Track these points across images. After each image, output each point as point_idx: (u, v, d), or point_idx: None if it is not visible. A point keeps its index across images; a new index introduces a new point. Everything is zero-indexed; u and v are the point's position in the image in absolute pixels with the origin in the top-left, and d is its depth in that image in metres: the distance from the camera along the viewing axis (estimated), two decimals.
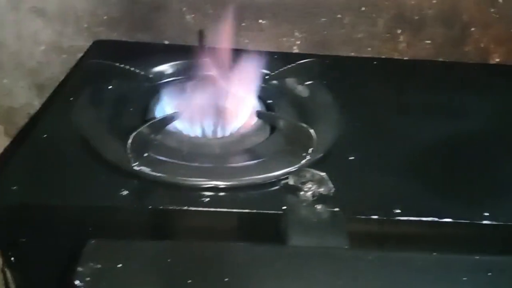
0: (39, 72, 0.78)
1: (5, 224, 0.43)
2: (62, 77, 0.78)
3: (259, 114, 0.53)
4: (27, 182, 0.43)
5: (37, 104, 0.82)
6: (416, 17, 0.74)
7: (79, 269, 0.32)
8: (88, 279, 0.32)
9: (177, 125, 0.54)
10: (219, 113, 0.57)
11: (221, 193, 0.44)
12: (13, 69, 0.78)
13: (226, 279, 0.33)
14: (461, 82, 0.69)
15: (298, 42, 0.75)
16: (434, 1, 0.73)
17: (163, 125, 0.49)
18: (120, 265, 0.33)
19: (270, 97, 0.60)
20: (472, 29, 0.76)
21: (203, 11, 0.73)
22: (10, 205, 0.42)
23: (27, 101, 0.82)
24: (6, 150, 0.81)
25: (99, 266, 0.33)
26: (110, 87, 0.57)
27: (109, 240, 0.35)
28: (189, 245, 0.36)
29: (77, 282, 0.31)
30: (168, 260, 0.34)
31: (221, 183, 0.45)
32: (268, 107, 0.58)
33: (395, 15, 0.74)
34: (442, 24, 0.75)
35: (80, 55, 0.76)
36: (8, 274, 0.92)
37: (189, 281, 0.32)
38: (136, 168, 0.44)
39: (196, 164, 0.47)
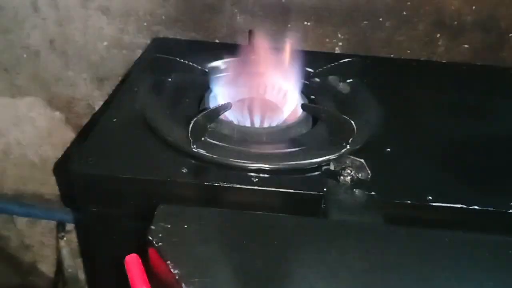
0: (101, 66, 0.86)
1: (81, 191, 0.50)
2: (121, 71, 0.86)
3: (303, 107, 0.58)
4: (102, 157, 0.50)
5: (96, 95, 0.90)
6: (455, 22, 0.78)
7: (152, 227, 0.38)
8: (160, 235, 0.38)
9: (229, 115, 0.59)
10: (266, 106, 0.62)
11: (269, 175, 0.50)
12: (77, 62, 0.87)
13: (275, 243, 0.38)
14: (495, 85, 0.72)
15: (340, 44, 0.80)
16: (474, 8, 0.76)
17: (217, 114, 0.55)
18: (186, 226, 0.39)
19: (313, 93, 0.65)
20: (510, 35, 0.78)
21: (252, 13, 0.79)
22: (88, 174, 0.48)
23: (88, 92, 0.90)
24: (81, 131, 0.91)
25: (169, 226, 0.39)
26: (170, 79, 0.63)
27: (175, 206, 0.41)
28: (243, 214, 0.41)
29: (150, 238, 0.38)
30: (226, 225, 0.39)
31: (267, 166, 0.50)
32: (311, 102, 0.64)
33: (435, 20, 0.77)
34: (480, 30, 0.78)
35: (138, 51, 0.83)
36: (64, 252, 1.01)
37: (244, 242, 0.38)
38: (195, 149, 0.50)
39: (246, 149, 0.52)
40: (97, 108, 0.91)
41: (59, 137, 0.96)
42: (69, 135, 0.95)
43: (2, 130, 0.96)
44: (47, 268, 1.20)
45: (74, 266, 1.02)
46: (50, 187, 1.04)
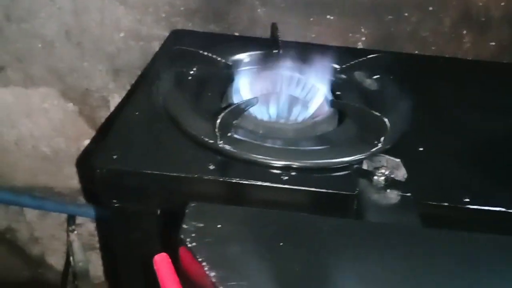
0: (117, 57, 0.84)
1: (104, 187, 0.48)
2: (137, 63, 0.84)
3: (333, 103, 0.56)
4: (126, 152, 0.48)
5: (112, 87, 0.88)
6: (483, 18, 0.75)
7: (184, 226, 0.37)
8: (193, 235, 0.36)
9: (253, 109, 0.58)
10: (291, 102, 0.60)
11: (298, 173, 0.48)
12: (93, 53, 0.85)
13: (313, 245, 0.36)
14: None
15: (363, 38, 0.78)
16: (502, 4, 0.74)
17: (244, 109, 0.53)
18: (219, 226, 0.37)
19: (339, 89, 0.63)
20: None
21: (274, 5, 0.77)
22: (111, 169, 0.47)
23: (103, 84, 0.88)
24: (104, 124, 0.90)
25: (201, 225, 0.37)
26: (192, 72, 0.62)
27: (206, 204, 0.39)
28: (278, 214, 0.40)
29: (182, 237, 0.36)
30: (261, 225, 0.38)
31: (297, 164, 0.48)
32: (337, 98, 0.62)
33: (462, 15, 0.75)
34: (509, 26, 0.76)
35: (156, 43, 0.82)
36: (74, 245, 1.00)
37: (280, 243, 0.36)
38: (221, 145, 0.49)
39: (273, 146, 0.51)
40: (111, 100, 0.89)
41: (72, 129, 0.94)
42: (83, 128, 0.94)
43: (15, 121, 0.94)
44: (56, 261, 1.19)
45: (85, 259, 1.01)
46: (61, 180, 1.02)
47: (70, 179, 1.01)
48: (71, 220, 1.05)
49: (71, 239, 1.04)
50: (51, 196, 1.04)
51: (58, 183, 1.03)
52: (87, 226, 1.10)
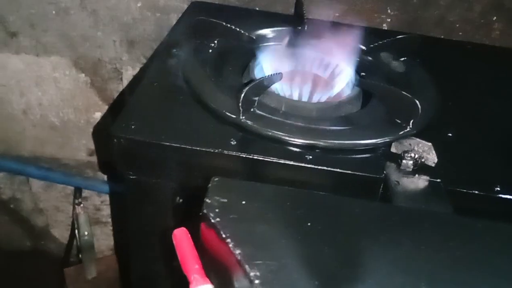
0: (132, 28, 0.82)
1: (121, 157, 0.46)
2: (153, 35, 0.82)
3: (360, 83, 0.54)
4: (145, 122, 0.46)
5: (125, 59, 0.86)
6: None
7: (208, 201, 0.35)
8: (217, 210, 0.34)
9: (275, 87, 0.55)
10: (315, 81, 0.58)
11: (323, 153, 0.46)
12: (108, 23, 0.82)
13: (343, 228, 0.35)
14: None
15: (389, 20, 0.75)
16: None
17: (268, 85, 0.51)
18: (244, 202, 0.35)
19: (364, 70, 0.61)
20: None
21: None
22: (129, 139, 0.45)
23: (116, 55, 0.86)
24: (121, 94, 0.88)
25: (225, 200, 0.35)
26: (213, 44, 0.59)
27: (230, 179, 0.38)
28: (304, 193, 0.38)
29: (205, 211, 0.34)
30: (287, 203, 0.36)
31: (322, 143, 0.46)
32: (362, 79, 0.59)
33: (493, 2, 0.72)
34: None
35: (173, 15, 0.79)
36: (80, 218, 0.99)
37: (308, 223, 0.34)
38: (243, 120, 0.47)
39: (297, 124, 0.49)
40: (124, 73, 0.87)
41: (82, 100, 0.92)
42: (93, 99, 0.92)
43: (24, 89, 0.92)
44: (60, 233, 1.18)
45: (90, 233, 1.00)
46: (68, 151, 1.01)
47: (78, 151, 1.00)
48: (77, 193, 1.03)
49: (77, 212, 1.02)
50: (58, 167, 1.03)
51: (65, 154, 1.01)
52: (93, 200, 1.09)
